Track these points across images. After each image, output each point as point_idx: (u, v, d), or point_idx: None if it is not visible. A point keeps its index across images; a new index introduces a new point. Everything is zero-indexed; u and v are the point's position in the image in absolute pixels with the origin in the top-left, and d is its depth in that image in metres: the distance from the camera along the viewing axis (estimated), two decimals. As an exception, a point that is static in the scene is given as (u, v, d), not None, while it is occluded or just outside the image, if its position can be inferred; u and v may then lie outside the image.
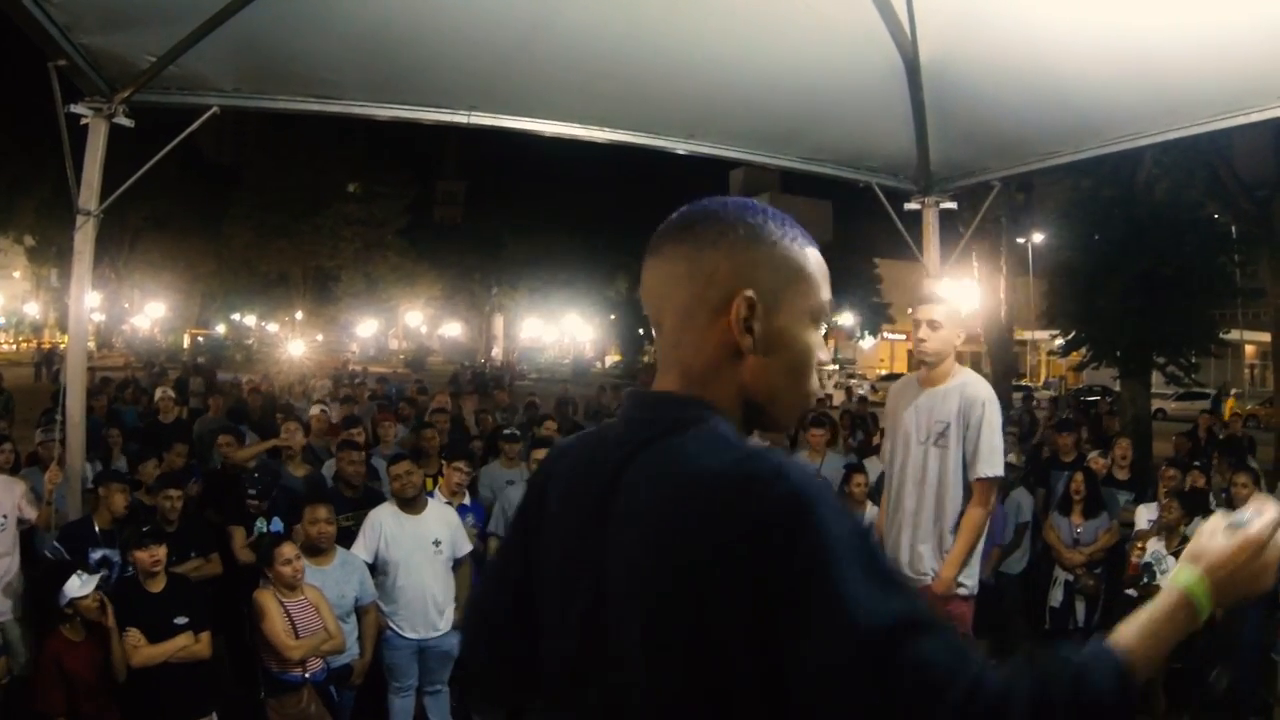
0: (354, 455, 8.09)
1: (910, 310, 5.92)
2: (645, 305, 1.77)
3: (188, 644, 5.99)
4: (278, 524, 7.40)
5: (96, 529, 6.85)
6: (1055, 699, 1.38)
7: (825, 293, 1.76)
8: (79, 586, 5.70)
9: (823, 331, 1.77)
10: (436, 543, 7.04)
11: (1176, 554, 7.74)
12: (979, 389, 5.45)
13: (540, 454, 7.96)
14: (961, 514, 5.39)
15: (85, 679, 5.72)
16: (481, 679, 2.22)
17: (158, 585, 6.09)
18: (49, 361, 41.75)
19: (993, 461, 5.32)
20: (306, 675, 6.08)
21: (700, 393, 1.67)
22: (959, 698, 1.32)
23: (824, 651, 1.35)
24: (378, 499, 7.47)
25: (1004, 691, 1.36)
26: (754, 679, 1.41)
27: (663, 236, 1.74)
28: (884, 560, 1.48)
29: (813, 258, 1.75)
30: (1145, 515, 8.37)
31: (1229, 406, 30.77)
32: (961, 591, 5.37)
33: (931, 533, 5.47)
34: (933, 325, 5.43)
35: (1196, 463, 10.05)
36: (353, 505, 7.58)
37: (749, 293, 1.63)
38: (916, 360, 5.72)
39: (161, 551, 6.09)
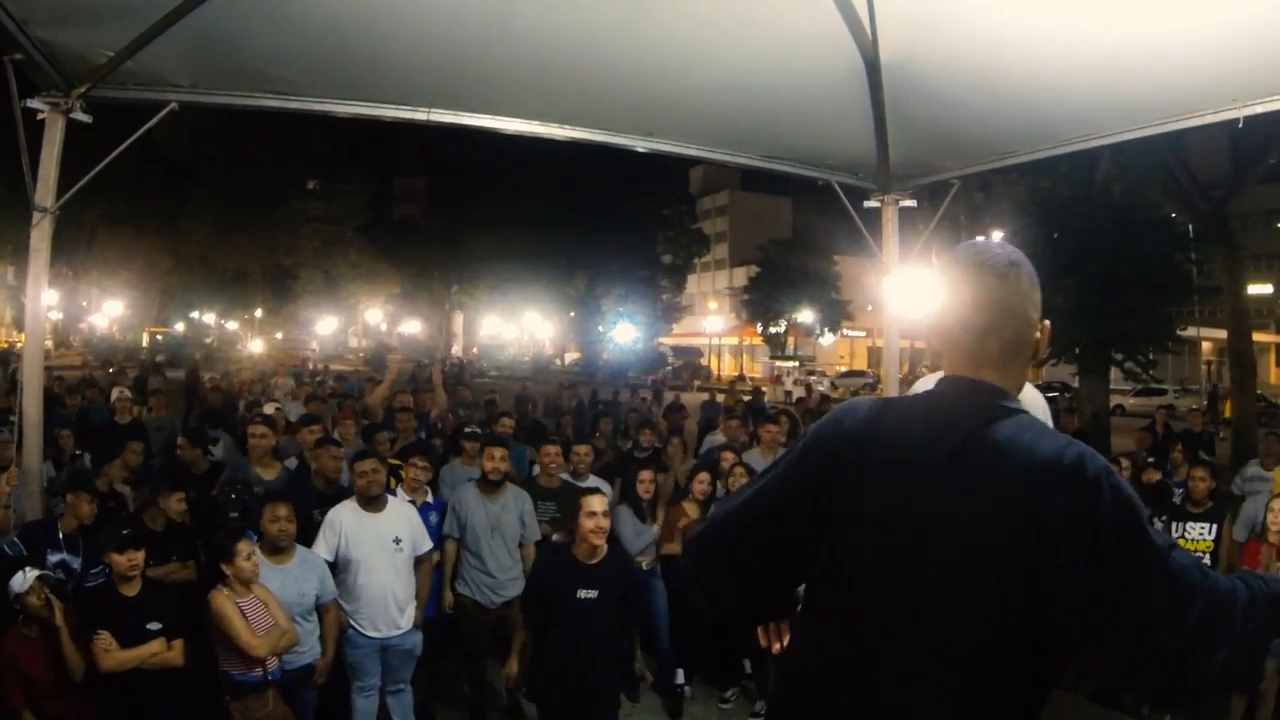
0: (334, 451, 8.07)
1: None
2: (974, 315, 2.40)
3: (160, 651, 5.90)
4: (251, 535, 7.34)
5: (60, 534, 6.78)
6: (1259, 596, 2.09)
7: None
8: (21, 582, 5.65)
9: None
10: (397, 540, 7.01)
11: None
12: (1030, 394, 4.70)
13: (496, 451, 7.98)
14: None
15: (41, 677, 5.65)
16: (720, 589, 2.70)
17: (133, 589, 5.99)
18: (4, 362, 41.24)
19: None
20: (268, 675, 6.05)
21: (1007, 386, 2.41)
22: (1207, 592, 2.03)
23: (1145, 564, 2.02)
24: (348, 495, 7.43)
25: (1231, 588, 2.08)
26: (1083, 599, 2.04)
27: (989, 266, 2.43)
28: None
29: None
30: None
31: (1227, 406, 31.06)
32: None
33: None
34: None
35: (1150, 459, 10.13)
36: (327, 500, 7.53)
37: (1046, 323, 2.51)
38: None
39: (140, 556, 5.99)
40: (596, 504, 6.18)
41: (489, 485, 7.88)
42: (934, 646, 2.14)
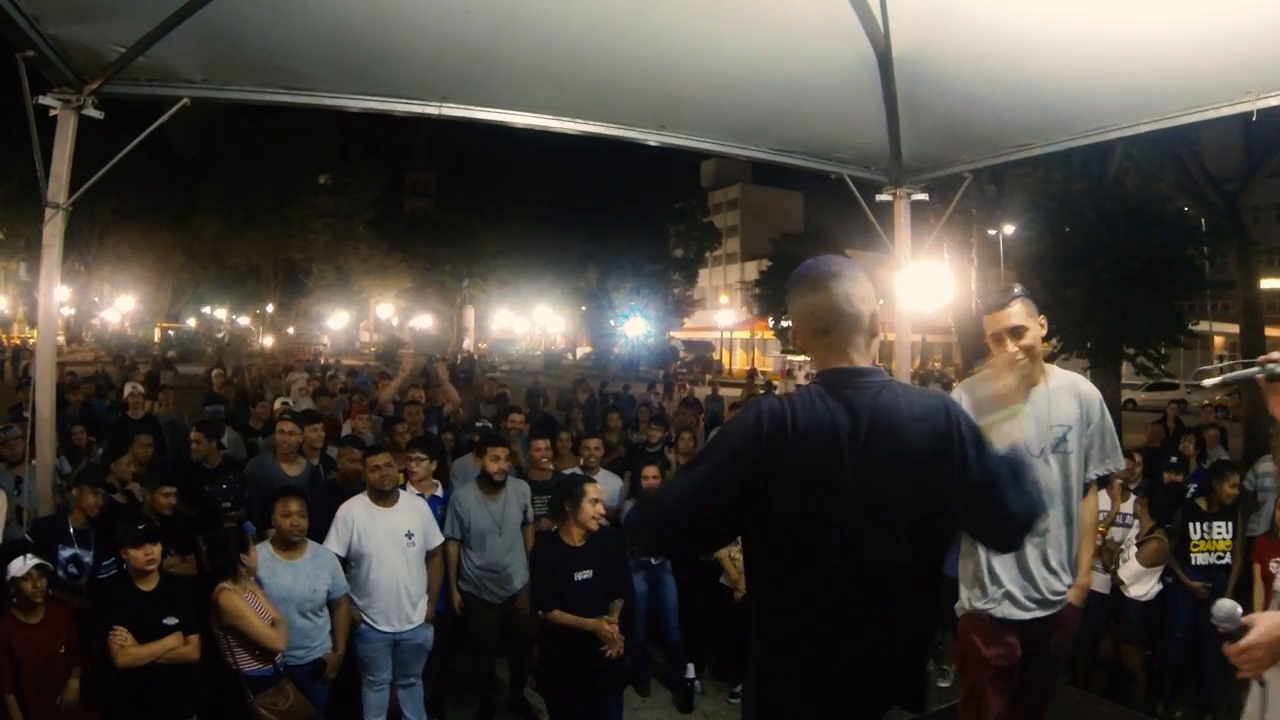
0: (354, 453, 8.04)
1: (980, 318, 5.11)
2: (842, 313, 3.14)
3: (176, 646, 5.92)
4: (249, 527, 7.33)
5: (71, 529, 6.79)
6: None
7: None
8: (20, 566, 5.67)
9: None
10: (409, 535, 7.02)
11: (1141, 545, 7.81)
12: (1088, 385, 5.04)
13: (499, 451, 7.99)
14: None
15: (34, 661, 5.69)
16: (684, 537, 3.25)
17: (149, 584, 6.01)
18: (16, 358, 41.26)
19: (1118, 454, 5.06)
20: (279, 667, 6.06)
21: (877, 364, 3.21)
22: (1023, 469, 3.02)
23: (992, 462, 2.95)
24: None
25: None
26: (960, 491, 2.95)
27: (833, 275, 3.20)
28: None
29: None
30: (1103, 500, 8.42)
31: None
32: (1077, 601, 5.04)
33: (1066, 551, 4.87)
34: (1016, 333, 4.78)
35: (1173, 458, 10.08)
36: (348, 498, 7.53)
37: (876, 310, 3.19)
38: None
39: (157, 550, 6.02)
40: (595, 492, 6.66)
41: (491, 485, 7.88)
42: (879, 564, 2.96)
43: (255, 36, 6.66)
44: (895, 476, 2.93)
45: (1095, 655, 8.32)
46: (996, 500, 2.91)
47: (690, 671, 8.27)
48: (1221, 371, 3.65)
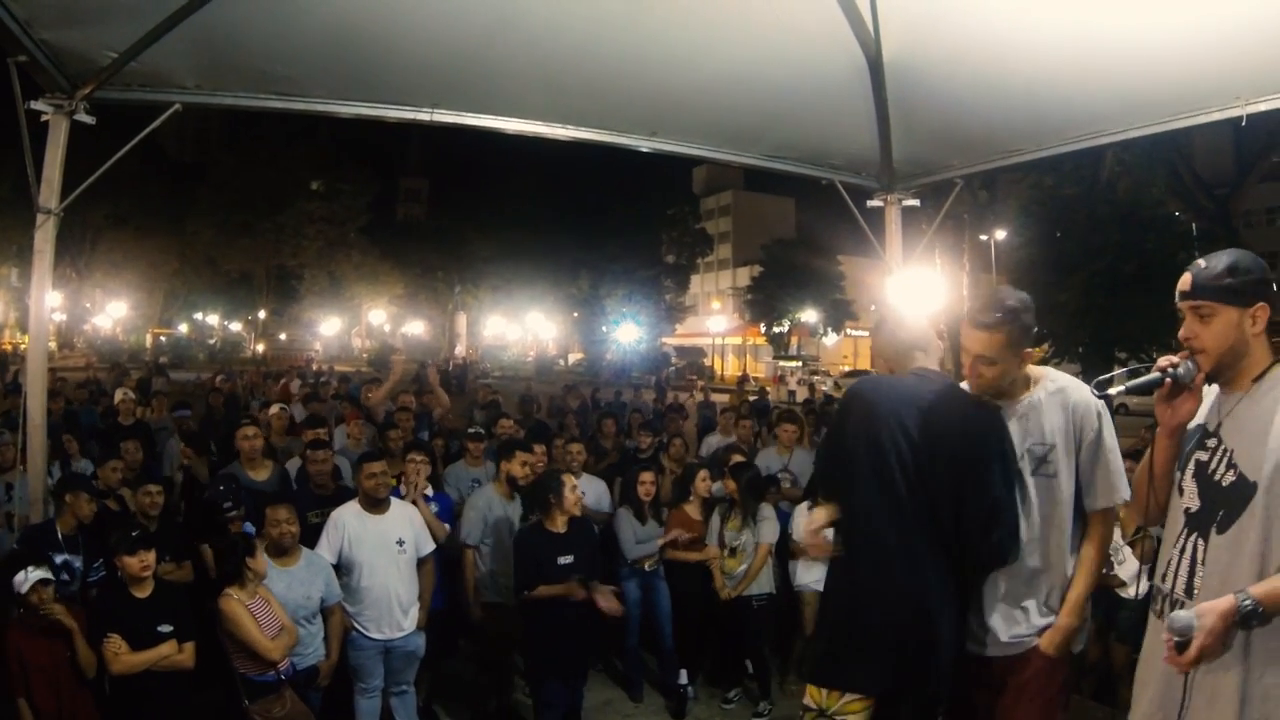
0: (320, 455, 8.03)
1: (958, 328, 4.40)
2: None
3: (171, 653, 5.89)
4: (249, 527, 7.33)
5: (60, 534, 6.76)
6: None
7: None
8: (23, 581, 5.65)
9: None
10: (400, 542, 7.00)
11: (1132, 544, 7.80)
12: (1083, 394, 4.16)
13: (528, 456, 8.14)
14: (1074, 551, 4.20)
15: (43, 667, 5.65)
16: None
17: (144, 591, 5.99)
18: (2, 365, 40.90)
19: (1121, 484, 4.09)
20: (281, 674, 6.05)
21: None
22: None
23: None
24: (349, 496, 7.40)
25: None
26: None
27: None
28: None
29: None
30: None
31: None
32: (1076, 648, 4.28)
33: (1040, 584, 4.16)
34: (986, 362, 4.12)
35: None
36: (323, 502, 7.52)
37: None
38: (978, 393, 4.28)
39: (151, 557, 5.99)
40: (572, 481, 7.18)
41: (515, 489, 7.94)
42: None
43: (247, 42, 6.66)
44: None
45: (1084, 656, 8.30)
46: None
47: (683, 678, 8.26)
48: (1126, 379, 3.45)
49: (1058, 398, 4.16)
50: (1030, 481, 4.13)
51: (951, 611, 4.04)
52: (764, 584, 8.15)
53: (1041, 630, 4.10)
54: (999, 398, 4.21)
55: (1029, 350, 4.24)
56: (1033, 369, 4.28)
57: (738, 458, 9.05)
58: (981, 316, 4.09)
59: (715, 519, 8.40)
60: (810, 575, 8.37)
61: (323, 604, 6.57)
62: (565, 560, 6.87)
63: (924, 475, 4.01)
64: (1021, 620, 4.12)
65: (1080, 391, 4.19)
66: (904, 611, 3.96)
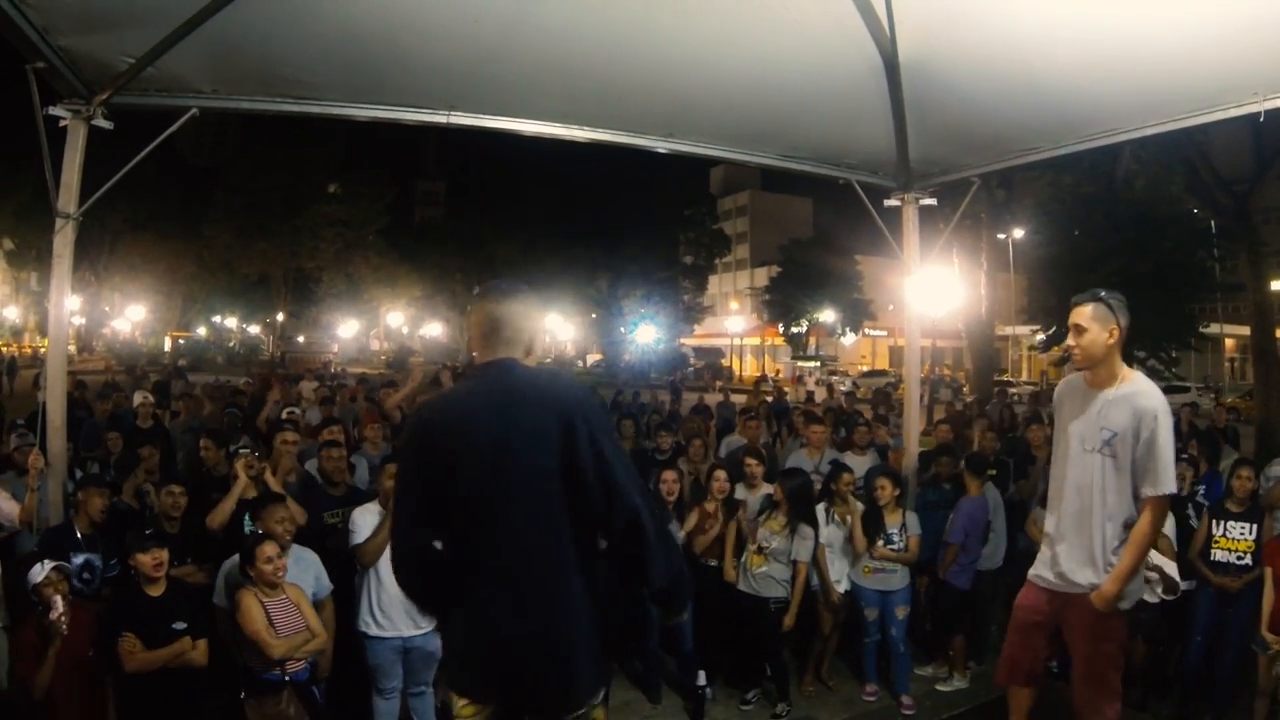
0: (335, 453, 8.05)
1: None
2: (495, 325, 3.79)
3: (184, 650, 5.95)
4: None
5: (78, 534, 6.79)
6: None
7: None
8: (39, 572, 5.70)
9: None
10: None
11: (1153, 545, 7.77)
12: (1151, 400, 5.24)
13: None
14: (1128, 529, 5.31)
15: (63, 664, 5.66)
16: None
17: (158, 589, 6.04)
18: (12, 369, 40.87)
19: (1168, 478, 5.17)
20: (287, 676, 6.04)
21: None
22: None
23: (611, 450, 3.67)
24: (363, 497, 7.42)
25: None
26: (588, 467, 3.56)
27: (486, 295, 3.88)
28: None
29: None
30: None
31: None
32: (1123, 605, 5.31)
33: (1089, 545, 5.37)
34: (1076, 330, 5.35)
35: (1184, 457, 10.01)
36: (338, 503, 7.57)
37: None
38: (1075, 365, 5.67)
39: (164, 555, 6.05)
40: None
41: None
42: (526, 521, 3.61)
43: (264, 47, 6.68)
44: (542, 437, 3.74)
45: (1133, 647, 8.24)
46: (614, 480, 3.65)
47: (702, 679, 8.25)
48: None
49: (1129, 399, 5.26)
50: (1097, 457, 5.33)
51: (586, 626, 3.70)
52: (783, 588, 8.13)
53: (1093, 586, 5.30)
54: (1097, 383, 5.44)
55: (1115, 334, 5.32)
56: (1125, 370, 5.41)
57: (750, 460, 9.03)
58: (1078, 295, 5.43)
59: (756, 511, 8.44)
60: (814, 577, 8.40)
61: (314, 598, 6.58)
62: None
63: (510, 488, 3.59)
64: (1084, 571, 5.37)
65: (1149, 396, 5.25)
66: (511, 660, 3.64)
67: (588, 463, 3.52)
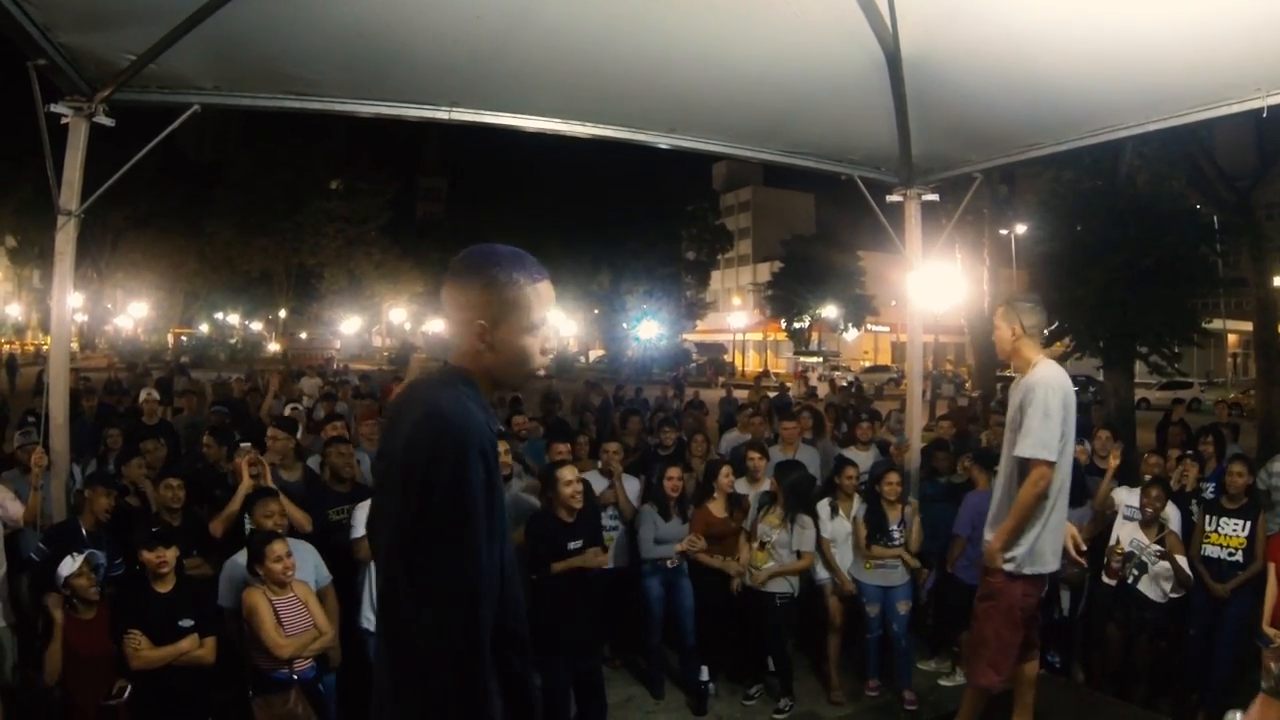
0: (342, 448, 8.04)
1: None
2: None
3: (192, 648, 5.95)
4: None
5: (83, 531, 6.79)
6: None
7: (542, 310, 2.74)
8: (70, 565, 5.73)
9: (539, 335, 2.76)
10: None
11: (1159, 543, 7.75)
12: (1036, 376, 5.71)
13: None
14: None
15: (87, 657, 5.72)
16: None
17: (166, 586, 6.05)
18: (12, 366, 40.67)
19: (1028, 443, 5.54)
20: (295, 675, 6.04)
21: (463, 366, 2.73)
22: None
23: (410, 501, 2.43)
24: (369, 493, 7.42)
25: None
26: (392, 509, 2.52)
27: (450, 270, 2.76)
28: None
29: (530, 293, 2.70)
30: (1125, 498, 8.33)
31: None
32: (1007, 567, 5.66)
33: (998, 516, 5.85)
34: (994, 328, 6.02)
35: (1190, 452, 9.97)
36: (344, 499, 7.57)
37: (481, 322, 2.66)
38: None
39: (170, 554, 6.06)
40: (568, 474, 7.43)
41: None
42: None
43: (265, 43, 6.68)
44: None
45: (1105, 649, 8.24)
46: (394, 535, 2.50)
47: (705, 674, 8.26)
48: None
49: (1026, 380, 5.74)
50: (1008, 439, 5.82)
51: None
52: (787, 583, 8.14)
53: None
54: (1019, 374, 5.90)
55: (1017, 331, 5.84)
56: (1038, 360, 5.79)
57: (753, 454, 9.04)
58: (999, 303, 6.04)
59: (754, 509, 8.49)
60: (827, 572, 8.41)
61: (315, 586, 6.58)
62: (575, 545, 7.30)
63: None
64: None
65: (1036, 375, 5.70)
66: None
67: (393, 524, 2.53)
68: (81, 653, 5.72)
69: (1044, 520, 5.64)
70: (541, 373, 2.78)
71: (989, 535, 5.84)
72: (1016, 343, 5.85)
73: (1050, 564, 5.76)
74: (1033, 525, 5.62)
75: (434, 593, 2.38)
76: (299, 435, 8.99)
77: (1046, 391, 5.56)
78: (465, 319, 2.69)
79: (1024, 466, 5.60)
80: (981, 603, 5.83)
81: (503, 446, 7.97)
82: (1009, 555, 5.62)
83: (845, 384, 32.94)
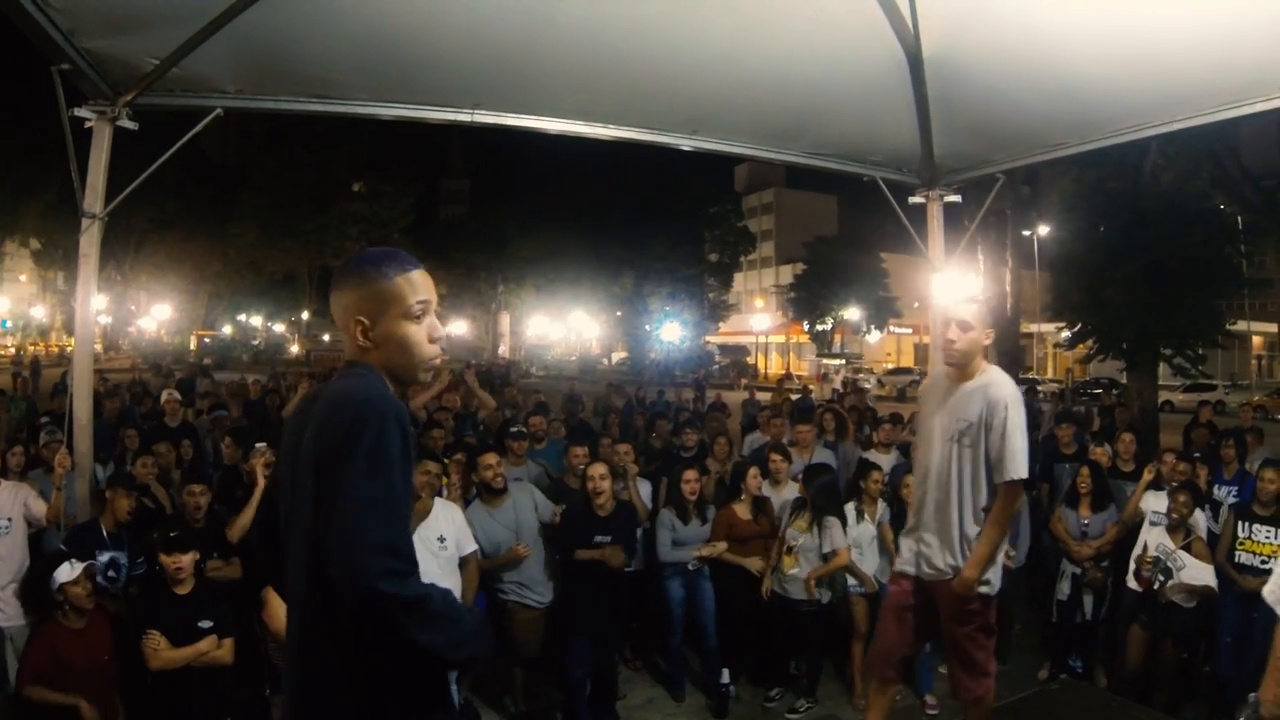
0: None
1: (936, 309, 6.01)
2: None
3: (210, 649, 5.96)
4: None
5: (104, 532, 6.83)
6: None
7: (416, 297, 2.81)
8: (68, 572, 5.72)
9: (423, 324, 2.83)
10: (441, 539, 7.00)
11: (1186, 548, 7.69)
12: (1002, 390, 5.40)
13: (492, 459, 8.03)
14: (986, 514, 5.43)
15: (80, 668, 5.71)
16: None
17: (185, 588, 6.07)
18: (35, 369, 40.62)
19: (1016, 465, 5.29)
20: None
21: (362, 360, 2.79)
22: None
23: (346, 478, 2.51)
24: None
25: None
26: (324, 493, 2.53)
27: (331, 282, 2.91)
28: None
29: (400, 282, 2.80)
30: (1152, 504, 8.28)
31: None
32: (984, 590, 5.42)
33: (949, 531, 5.49)
34: (963, 326, 5.46)
35: (1197, 454, 9.92)
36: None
37: (361, 319, 2.75)
38: (945, 359, 5.74)
39: (187, 559, 6.06)
40: (594, 471, 7.79)
41: (491, 494, 7.87)
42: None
43: (288, 46, 6.70)
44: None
45: (1128, 651, 8.17)
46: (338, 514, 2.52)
47: (725, 676, 8.24)
48: None
49: (982, 390, 5.42)
50: (954, 447, 5.47)
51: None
52: (815, 590, 8.10)
53: (955, 569, 5.42)
54: (959, 379, 5.57)
55: (990, 336, 5.62)
56: (984, 365, 5.60)
57: (775, 455, 9.02)
58: (960, 298, 5.73)
59: (784, 515, 8.44)
60: (853, 578, 8.38)
61: None
62: (602, 539, 7.58)
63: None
64: (944, 557, 5.48)
65: (1001, 387, 5.42)
66: None
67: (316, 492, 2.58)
68: (74, 664, 5.71)
69: (1005, 537, 5.66)
70: (437, 362, 2.51)
71: (949, 561, 5.49)
72: (985, 346, 5.61)
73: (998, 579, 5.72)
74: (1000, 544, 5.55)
75: (371, 521, 2.57)
76: None
77: (1019, 409, 5.40)
78: (347, 320, 2.78)
79: (993, 486, 5.42)
80: (961, 628, 5.55)
81: (493, 459, 8.00)
82: (985, 578, 5.42)
83: (838, 387, 32.91)
